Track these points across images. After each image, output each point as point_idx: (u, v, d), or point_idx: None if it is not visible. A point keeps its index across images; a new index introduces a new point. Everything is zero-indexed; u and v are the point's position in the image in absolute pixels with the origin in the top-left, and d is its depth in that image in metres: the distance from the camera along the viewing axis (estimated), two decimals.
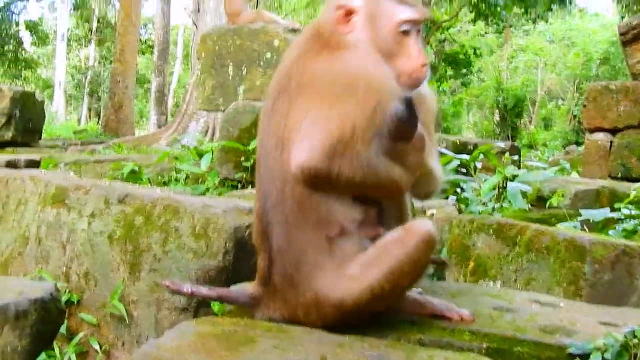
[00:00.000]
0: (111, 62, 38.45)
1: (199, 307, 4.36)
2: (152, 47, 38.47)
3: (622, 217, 7.15)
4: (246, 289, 3.17)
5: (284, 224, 2.80)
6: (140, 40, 39.98)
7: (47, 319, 3.30)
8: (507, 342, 2.76)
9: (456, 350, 2.60)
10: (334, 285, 2.72)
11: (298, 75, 2.80)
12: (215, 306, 4.24)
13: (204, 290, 3.24)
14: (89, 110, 53.11)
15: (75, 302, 4.80)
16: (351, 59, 2.78)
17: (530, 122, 41.82)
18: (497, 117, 40.62)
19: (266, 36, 10.66)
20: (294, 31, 10.91)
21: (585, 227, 6.40)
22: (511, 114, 38.85)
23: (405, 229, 2.77)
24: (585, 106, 14.51)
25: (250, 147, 8.12)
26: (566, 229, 5.39)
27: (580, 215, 6.77)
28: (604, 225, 6.69)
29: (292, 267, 2.78)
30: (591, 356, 2.69)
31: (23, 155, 11.24)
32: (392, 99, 2.71)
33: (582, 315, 3.14)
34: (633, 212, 7.30)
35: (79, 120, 49.61)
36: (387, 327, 2.88)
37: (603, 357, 2.79)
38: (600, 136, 14.03)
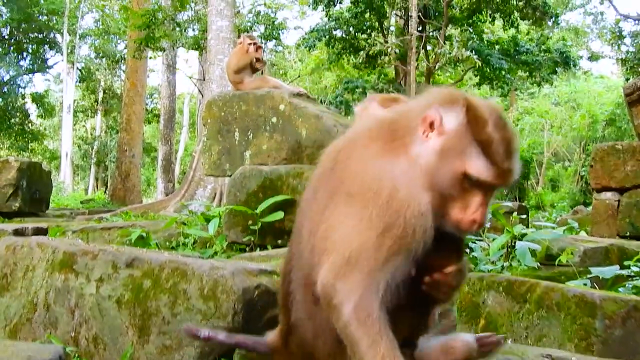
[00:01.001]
0: (117, 132, 38.83)
1: None
2: (158, 115, 38.84)
3: (632, 274, 7.12)
4: (264, 338, 3.14)
5: (305, 308, 2.70)
6: (146, 109, 40.36)
7: None
8: None
9: None
10: None
11: (342, 164, 2.63)
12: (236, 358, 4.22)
13: (221, 336, 3.21)
14: (96, 179, 53.41)
15: None
16: (393, 167, 2.52)
17: (537, 183, 41.86)
18: None
19: (272, 101, 10.75)
20: (299, 95, 11.00)
21: (595, 285, 6.37)
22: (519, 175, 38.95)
23: (447, 343, 2.68)
24: (592, 166, 14.55)
25: (258, 210, 8.15)
26: (576, 286, 5.36)
27: (590, 273, 6.74)
28: (614, 283, 6.65)
29: (310, 345, 2.70)
30: None
31: (30, 224, 11.27)
32: (414, 226, 2.41)
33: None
34: None
35: (86, 190, 49.87)
36: None
37: None
38: (608, 195, 14.03)
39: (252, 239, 8.35)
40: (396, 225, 2.40)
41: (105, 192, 39.12)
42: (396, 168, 2.50)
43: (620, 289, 6.26)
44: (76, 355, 4.78)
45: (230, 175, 9.63)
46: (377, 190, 2.43)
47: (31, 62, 43.39)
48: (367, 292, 2.34)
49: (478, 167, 2.52)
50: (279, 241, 8.26)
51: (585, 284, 6.23)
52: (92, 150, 51.32)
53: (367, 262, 2.36)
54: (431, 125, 2.53)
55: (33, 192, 15.30)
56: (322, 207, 2.60)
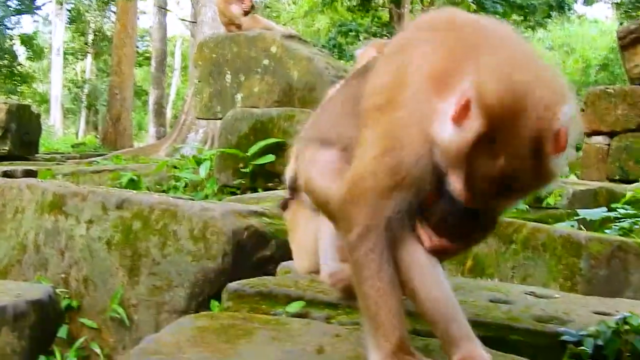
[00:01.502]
0: (108, 75, 38.53)
1: (199, 309, 4.38)
2: (149, 58, 38.48)
3: (619, 217, 7.17)
4: None
5: None
6: (137, 52, 39.98)
7: (45, 321, 3.33)
8: (502, 331, 2.78)
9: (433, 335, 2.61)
10: None
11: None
12: (215, 307, 4.26)
13: None
14: (87, 123, 53.12)
15: (75, 308, 4.82)
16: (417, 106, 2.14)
17: None
18: None
19: (263, 43, 10.68)
20: (291, 37, 10.93)
21: (583, 227, 6.41)
22: None
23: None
24: (583, 110, 14.54)
25: (249, 153, 8.15)
26: (562, 227, 5.41)
27: (577, 215, 6.79)
28: (601, 224, 6.70)
29: None
30: (583, 343, 2.71)
31: (20, 166, 11.26)
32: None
33: (577, 305, 3.16)
34: (629, 211, 7.32)
35: (77, 134, 49.61)
36: None
37: (595, 344, 2.81)
38: (599, 139, 14.07)
39: (243, 182, 8.36)
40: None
41: (96, 136, 39.01)
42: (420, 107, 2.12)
43: (607, 231, 6.31)
44: (67, 296, 4.82)
45: (221, 118, 9.60)
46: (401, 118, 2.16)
47: (19, 3, 42.79)
48: (370, 223, 2.21)
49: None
50: (270, 184, 8.27)
51: (572, 226, 6.27)
52: (82, 93, 50.94)
53: (370, 190, 2.20)
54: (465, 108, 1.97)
55: (22, 135, 15.22)
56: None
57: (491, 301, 3.13)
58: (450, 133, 1.97)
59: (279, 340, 2.53)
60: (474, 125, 1.91)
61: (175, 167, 10.07)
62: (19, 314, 3.16)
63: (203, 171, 8.88)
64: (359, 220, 2.21)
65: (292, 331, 2.67)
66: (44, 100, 51.11)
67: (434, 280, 2.26)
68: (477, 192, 2.01)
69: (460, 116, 1.94)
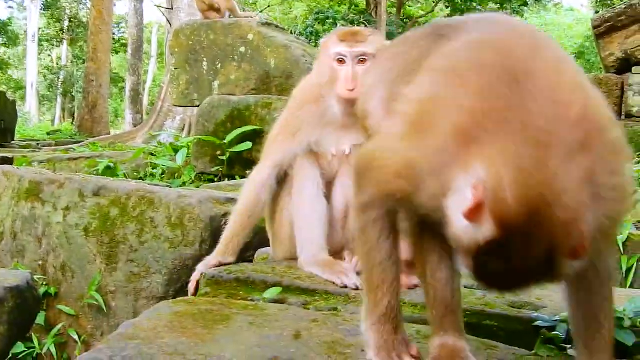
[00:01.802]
0: (84, 62, 38.23)
1: (176, 295, 4.39)
2: (125, 45, 38.26)
3: None
4: None
5: None
6: (114, 39, 39.74)
7: (23, 307, 3.33)
8: (476, 316, 2.83)
9: (427, 323, 2.65)
10: None
11: None
12: None
13: None
14: (63, 110, 52.76)
15: (53, 294, 4.83)
16: None
17: None
18: None
19: (240, 30, 10.66)
20: (268, 25, 10.93)
21: None
22: None
23: None
24: None
25: (226, 141, 8.14)
26: None
27: None
28: None
29: None
30: (557, 328, 2.76)
31: None
32: None
33: (550, 291, 3.20)
34: None
35: (53, 121, 49.27)
36: (361, 304, 2.95)
37: (568, 329, 2.86)
38: None
39: (221, 169, 8.36)
40: None
41: (72, 123, 38.74)
42: None
43: None
44: (44, 283, 4.82)
45: (198, 106, 9.58)
46: None
47: None
48: (373, 199, 2.26)
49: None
50: (247, 171, 8.24)
51: None
52: (58, 80, 50.56)
53: (378, 171, 2.21)
54: None
55: None
56: None
57: (466, 287, 3.16)
58: (461, 225, 1.82)
59: (256, 326, 2.56)
60: (485, 229, 1.75)
61: (152, 155, 10.03)
62: None
63: (180, 159, 8.86)
64: (366, 191, 2.26)
65: (269, 316, 2.69)
66: (19, 87, 50.70)
67: (444, 269, 2.31)
68: (487, 282, 1.91)
69: (472, 215, 1.77)
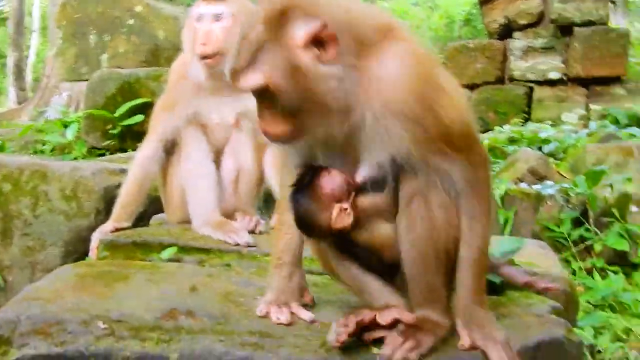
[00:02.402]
0: None
1: None
2: (5, 19, 37.03)
3: None
4: None
5: None
6: None
7: None
8: None
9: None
10: None
11: None
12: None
13: None
14: None
15: None
16: None
17: None
18: None
19: (128, 2, 10.55)
20: None
21: None
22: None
23: None
24: (445, 64, 15.04)
25: (117, 114, 8.12)
26: None
27: None
28: None
29: None
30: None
31: None
32: None
33: None
34: None
35: None
36: (250, 259, 3.16)
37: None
38: None
39: (112, 143, 8.34)
40: None
41: None
42: None
43: None
44: None
45: (87, 80, 9.49)
46: None
47: None
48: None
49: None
50: (139, 144, 8.27)
51: None
52: None
53: None
54: None
55: None
56: None
57: None
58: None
59: (154, 282, 2.70)
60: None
61: (41, 131, 9.89)
62: None
63: (70, 134, 8.79)
64: None
65: (166, 273, 2.84)
66: None
67: None
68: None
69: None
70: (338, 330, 2.19)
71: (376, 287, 2.42)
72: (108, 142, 8.35)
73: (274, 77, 2.10)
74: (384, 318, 2.26)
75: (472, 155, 2.29)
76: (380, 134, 2.17)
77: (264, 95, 2.16)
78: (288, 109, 2.14)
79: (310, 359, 2.17)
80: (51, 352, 2.22)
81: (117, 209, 3.92)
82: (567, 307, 2.95)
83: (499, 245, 3.03)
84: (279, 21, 2.12)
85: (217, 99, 3.94)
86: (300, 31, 2.11)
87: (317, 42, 2.12)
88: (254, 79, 2.12)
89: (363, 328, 2.24)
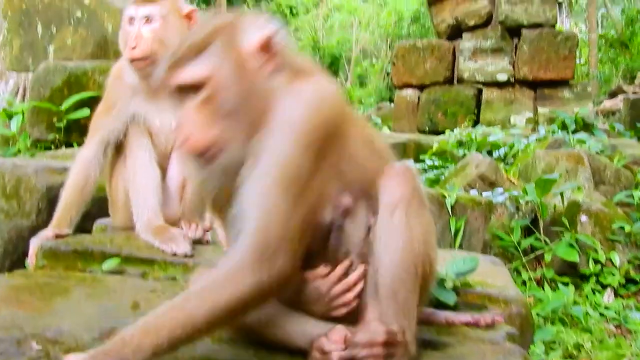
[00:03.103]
0: None
1: (12, 267, 4.33)
2: None
3: (426, 168, 7.61)
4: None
5: None
6: None
7: None
8: None
9: None
10: None
11: None
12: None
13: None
14: None
15: None
16: None
17: (346, 79, 42.74)
18: None
19: None
20: None
21: None
22: (328, 71, 39.48)
23: None
24: (394, 63, 15.11)
25: (63, 107, 7.98)
26: None
27: None
28: None
29: None
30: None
31: None
32: None
33: None
34: (435, 163, 7.78)
35: None
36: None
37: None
38: (409, 92, 14.68)
39: (58, 136, 8.18)
40: None
41: None
42: None
43: None
44: None
45: (33, 71, 9.31)
46: None
47: None
48: None
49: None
50: (85, 138, 8.14)
51: None
52: None
53: None
54: None
55: None
56: None
57: None
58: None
59: (94, 297, 2.60)
60: None
61: None
62: None
63: (14, 125, 8.60)
64: None
65: (108, 288, 2.75)
66: None
67: None
68: None
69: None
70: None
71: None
72: (53, 135, 8.19)
73: (219, 72, 2.08)
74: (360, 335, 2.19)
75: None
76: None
77: (196, 93, 2.09)
78: (221, 111, 2.08)
79: None
80: None
81: (57, 214, 3.80)
82: (523, 330, 2.92)
83: (452, 265, 2.99)
84: (231, 27, 2.13)
85: (155, 103, 3.86)
86: (252, 36, 2.12)
87: (264, 51, 2.12)
88: (197, 70, 2.07)
89: None
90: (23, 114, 8.78)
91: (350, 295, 2.27)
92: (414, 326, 2.27)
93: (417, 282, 2.25)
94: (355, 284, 2.27)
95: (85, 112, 7.90)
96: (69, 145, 8.06)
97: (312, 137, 2.10)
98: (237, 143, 2.11)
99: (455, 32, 14.64)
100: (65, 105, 7.99)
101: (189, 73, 2.08)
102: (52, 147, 8.15)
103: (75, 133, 8.16)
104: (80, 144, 8.00)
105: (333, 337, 2.17)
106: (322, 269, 2.26)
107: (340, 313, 2.26)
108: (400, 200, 2.23)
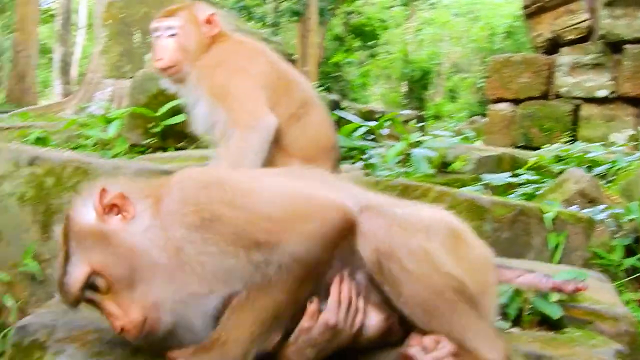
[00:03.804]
0: (12, 32, 37.41)
1: None
2: (53, 15, 37.50)
3: (522, 182, 7.45)
4: None
5: None
6: (41, 9, 38.92)
7: None
8: None
9: None
10: None
11: None
12: None
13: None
14: None
15: None
16: None
17: (436, 94, 42.50)
18: (404, 89, 41.05)
19: (172, 4, 10.57)
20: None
21: (490, 190, 6.65)
22: (417, 85, 39.29)
23: None
24: (488, 77, 14.94)
25: (159, 113, 8.13)
26: (468, 191, 5.61)
27: (482, 180, 7.03)
28: (505, 190, 6.96)
29: None
30: None
31: None
32: None
33: None
34: (531, 177, 7.61)
35: None
36: None
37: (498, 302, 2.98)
38: (503, 106, 14.48)
39: (153, 141, 8.34)
40: None
41: None
42: None
43: (510, 196, 6.56)
44: None
45: (130, 78, 9.52)
46: None
47: None
48: None
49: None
50: (180, 144, 8.29)
51: (477, 190, 6.50)
52: None
53: None
54: None
55: None
56: None
57: None
58: None
59: None
60: None
61: (83, 126, 9.93)
62: None
63: (113, 130, 8.80)
64: None
65: None
66: None
67: None
68: None
69: None
70: None
71: None
72: (149, 140, 8.36)
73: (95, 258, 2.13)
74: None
75: None
76: None
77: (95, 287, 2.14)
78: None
79: None
80: None
81: None
82: (632, 349, 2.81)
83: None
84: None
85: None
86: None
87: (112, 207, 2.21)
88: (80, 271, 2.13)
89: None
90: (121, 119, 8.98)
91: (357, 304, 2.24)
92: (483, 338, 2.21)
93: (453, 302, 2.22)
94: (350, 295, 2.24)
95: (179, 118, 8.04)
96: (163, 150, 8.21)
97: None
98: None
99: (553, 46, 14.37)
100: (161, 111, 8.15)
101: (76, 278, 2.14)
102: (148, 151, 8.32)
103: (170, 138, 8.32)
104: (175, 149, 8.15)
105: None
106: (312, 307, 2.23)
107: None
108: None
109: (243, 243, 2.13)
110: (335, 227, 2.19)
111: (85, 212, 2.22)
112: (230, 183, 2.29)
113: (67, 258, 2.17)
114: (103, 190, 2.22)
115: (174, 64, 4.14)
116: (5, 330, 4.48)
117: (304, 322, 2.17)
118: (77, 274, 2.12)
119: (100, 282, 2.12)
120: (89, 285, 2.12)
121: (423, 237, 2.24)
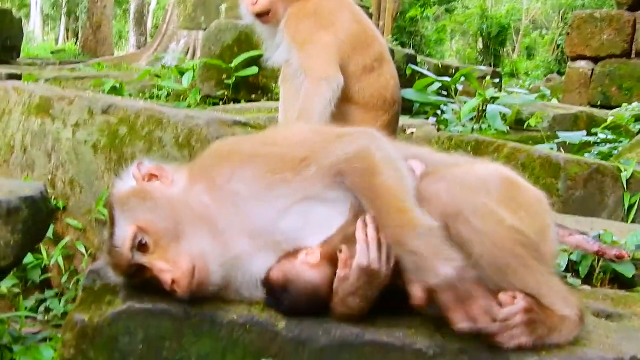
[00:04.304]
0: None
1: None
2: None
3: (599, 141, 7.29)
4: None
5: None
6: None
7: (37, 217, 3.39)
8: None
9: None
10: None
11: None
12: None
13: None
14: (67, 30, 52.20)
15: (61, 208, 4.90)
16: None
17: (514, 50, 41.74)
18: (480, 45, 40.34)
19: None
20: None
21: (562, 149, 6.53)
22: (494, 42, 38.54)
23: None
24: (568, 34, 14.57)
25: (232, 65, 8.15)
26: (542, 148, 5.51)
27: (558, 138, 6.89)
28: (580, 148, 6.82)
29: None
30: (558, 257, 2.82)
31: (3, 69, 11.14)
32: None
33: None
34: (609, 137, 7.44)
35: (56, 40, 48.85)
36: None
37: (569, 259, 2.93)
38: (582, 64, 14.13)
39: (226, 93, 8.38)
40: None
41: (76, 43, 38.45)
42: None
43: (585, 154, 6.42)
44: (53, 197, 4.89)
45: (205, 29, 9.55)
46: None
47: None
48: None
49: None
50: (253, 96, 8.31)
51: (552, 148, 6.38)
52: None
53: None
54: None
55: (4, 39, 15.03)
56: None
57: None
58: None
59: None
60: None
61: (157, 77, 10.04)
62: (12, 209, 3.21)
63: (186, 81, 8.89)
64: None
65: None
66: (24, 4, 50.18)
67: None
68: None
69: None
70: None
71: None
72: (222, 91, 8.40)
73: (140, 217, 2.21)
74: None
75: None
76: None
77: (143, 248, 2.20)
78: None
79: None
80: (156, 309, 2.18)
81: None
82: None
83: (633, 237, 2.84)
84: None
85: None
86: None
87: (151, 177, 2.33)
88: (127, 231, 2.18)
89: None
90: (194, 70, 9.04)
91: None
92: (556, 294, 2.20)
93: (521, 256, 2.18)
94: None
95: (253, 70, 8.06)
96: (236, 101, 8.24)
97: None
98: None
99: (638, 2, 13.91)
100: (235, 63, 8.17)
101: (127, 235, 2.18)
102: (220, 103, 8.36)
103: (243, 90, 8.35)
104: (247, 101, 8.18)
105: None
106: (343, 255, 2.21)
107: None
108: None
109: (286, 166, 2.20)
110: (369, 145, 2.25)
111: (125, 182, 2.34)
112: (259, 137, 2.48)
113: (113, 224, 2.23)
114: (140, 164, 2.35)
115: (268, 9, 4.14)
116: (78, 276, 4.59)
117: (340, 272, 2.17)
118: (125, 234, 2.17)
119: (147, 240, 2.17)
120: (137, 246, 2.17)
121: (484, 194, 2.21)
